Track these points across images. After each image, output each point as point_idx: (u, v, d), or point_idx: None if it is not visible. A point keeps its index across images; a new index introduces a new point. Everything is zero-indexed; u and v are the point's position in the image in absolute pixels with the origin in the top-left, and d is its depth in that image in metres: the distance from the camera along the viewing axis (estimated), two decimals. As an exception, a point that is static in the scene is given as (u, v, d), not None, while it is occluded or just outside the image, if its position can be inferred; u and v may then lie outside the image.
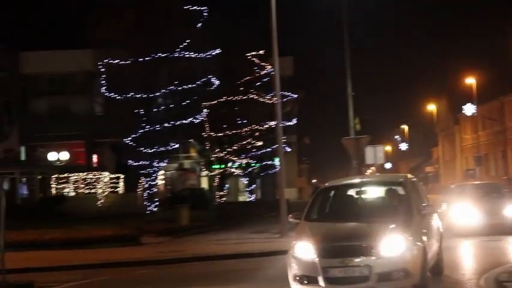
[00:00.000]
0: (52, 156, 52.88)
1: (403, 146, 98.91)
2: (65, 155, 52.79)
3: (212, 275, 16.16)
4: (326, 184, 13.22)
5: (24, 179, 47.34)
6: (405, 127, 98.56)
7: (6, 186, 17.09)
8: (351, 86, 32.02)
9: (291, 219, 12.17)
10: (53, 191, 48.36)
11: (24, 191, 46.20)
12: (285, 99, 42.65)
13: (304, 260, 10.38)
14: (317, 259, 10.18)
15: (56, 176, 49.29)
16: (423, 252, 10.55)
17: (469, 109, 61.31)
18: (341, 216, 11.42)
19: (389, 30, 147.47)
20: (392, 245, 10.11)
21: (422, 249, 10.53)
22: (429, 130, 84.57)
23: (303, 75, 65.86)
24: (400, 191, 11.70)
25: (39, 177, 49.03)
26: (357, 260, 10.04)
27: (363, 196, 12.09)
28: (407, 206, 11.24)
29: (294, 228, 12.55)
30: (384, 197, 11.99)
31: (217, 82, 39.76)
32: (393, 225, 10.53)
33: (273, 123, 38.81)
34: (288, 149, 44.83)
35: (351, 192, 12.08)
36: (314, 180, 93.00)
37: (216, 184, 50.61)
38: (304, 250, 10.46)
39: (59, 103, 59.98)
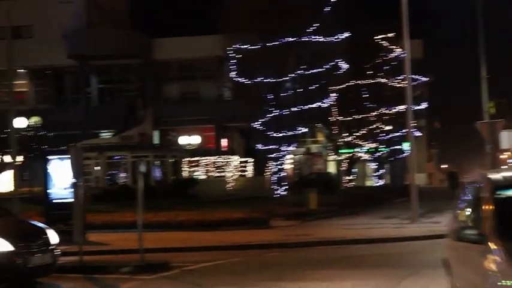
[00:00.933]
0: (183, 140, 54.16)
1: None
2: (196, 139, 53.89)
3: (342, 260, 16.09)
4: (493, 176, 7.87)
5: (158, 162, 48.77)
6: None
7: (143, 168, 17.66)
8: (485, 68, 30.90)
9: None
10: (185, 174, 49.55)
11: (157, 173, 47.55)
12: (414, 83, 41.74)
13: None
14: None
15: (187, 159, 50.50)
16: None
17: None
18: None
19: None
20: None
21: None
22: None
23: (434, 58, 64.20)
24: None
25: (172, 160, 50.36)
26: None
27: None
28: None
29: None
30: None
31: (345, 66, 39.39)
32: None
33: (402, 107, 38.18)
34: (418, 134, 43.84)
35: None
36: (444, 166, 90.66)
37: (343, 168, 50.34)
38: None
39: (190, 88, 61.36)
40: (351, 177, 49.39)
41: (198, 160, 50.51)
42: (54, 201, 19.94)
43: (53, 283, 13.60)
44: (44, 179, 20.63)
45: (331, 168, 56.78)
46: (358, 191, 43.65)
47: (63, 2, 57.10)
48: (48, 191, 20.20)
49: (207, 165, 50.34)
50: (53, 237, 13.52)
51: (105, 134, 56.20)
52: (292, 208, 29.29)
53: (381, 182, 51.55)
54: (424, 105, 49.75)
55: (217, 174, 49.66)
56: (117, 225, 23.01)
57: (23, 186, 34.52)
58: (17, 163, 24.05)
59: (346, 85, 43.07)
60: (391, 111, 46.03)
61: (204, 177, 49.31)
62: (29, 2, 54.49)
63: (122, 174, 47.67)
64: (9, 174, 37.61)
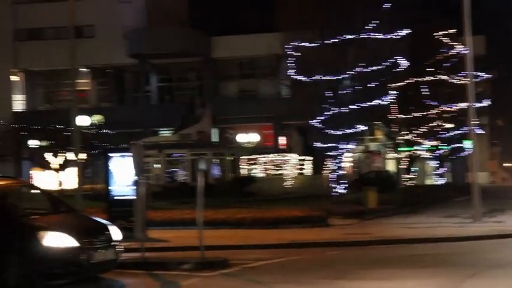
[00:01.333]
0: (241, 138, 54.42)
1: None
2: (254, 137, 54.11)
3: (402, 259, 15.92)
4: None
5: (216, 160, 49.10)
6: None
7: (204, 166, 17.74)
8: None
9: None
10: (243, 171, 49.75)
11: (216, 171, 47.92)
12: (477, 80, 40.94)
13: None
14: None
15: (245, 157, 50.69)
16: None
17: None
18: None
19: None
20: None
21: None
22: None
23: (497, 54, 62.83)
24: None
25: (230, 158, 50.64)
26: None
27: None
28: None
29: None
30: None
31: (405, 63, 38.92)
32: None
33: (463, 104, 37.50)
34: (480, 131, 43.05)
35: None
36: (508, 164, 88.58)
37: (403, 167, 49.75)
38: None
39: (248, 86, 61.62)
40: (410, 176, 48.76)
41: (256, 158, 50.67)
42: (115, 198, 20.18)
43: (115, 279, 13.76)
44: (105, 176, 20.90)
45: (390, 166, 56.24)
46: (417, 189, 43.07)
47: (124, 1, 57.96)
48: (109, 188, 20.46)
49: (265, 163, 50.49)
50: (116, 233, 13.73)
51: (165, 132, 56.95)
52: (350, 206, 29.11)
53: (442, 181, 50.84)
54: (486, 103, 48.85)
55: (275, 172, 49.73)
56: (176, 223, 23.21)
57: (86, 183, 35.14)
58: (79, 161, 24.45)
59: (406, 82, 42.56)
60: (452, 109, 45.30)
61: (262, 175, 49.46)
62: (90, 2, 55.53)
63: (181, 172, 48.17)
64: (72, 172, 38.32)
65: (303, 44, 37.00)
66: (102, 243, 13.22)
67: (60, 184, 40.95)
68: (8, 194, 14.53)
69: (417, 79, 44.21)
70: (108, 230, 13.65)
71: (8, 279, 12.48)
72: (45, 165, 44.10)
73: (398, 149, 49.39)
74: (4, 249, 12.64)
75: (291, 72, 38.79)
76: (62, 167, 42.61)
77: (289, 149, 55.74)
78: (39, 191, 15.66)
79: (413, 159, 49.16)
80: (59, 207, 14.56)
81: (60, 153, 42.50)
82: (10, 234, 12.81)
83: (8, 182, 15.54)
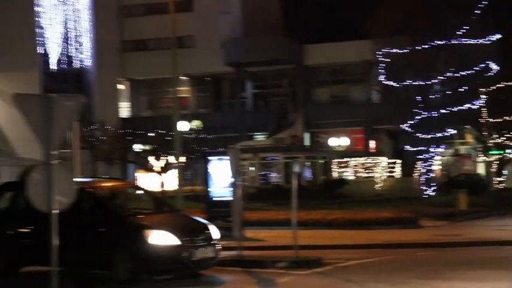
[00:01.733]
0: (333, 141, 54.13)
1: None
2: (345, 141, 53.73)
3: (495, 260, 15.50)
4: None
5: (308, 163, 49.05)
6: None
7: (298, 169, 17.82)
8: None
9: None
10: (334, 174, 49.51)
11: (308, 174, 47.86)
12: None
13: None
14: None
15: (336, 160, 50.43)
16: None
17: None
18: None
19: None
20: None
21: None
22: None
23: None
24: None
25: (322, 161, 50.49)
26: None
27: None
28: None
29: None
30: None
31: (496, 67, 37.91)
32: None
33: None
34: None
35: None
36: None
37: (493, 170, 48.36)
38: None
39: (339, 92, 61.38)
40: (501, 179, 47.37)
41: (347, 161, 50.31)
42: (214, 199, 20.47)
43: (214, 275, 13.92)
44: (204, 178, 21.22)
45: (480, 169, 54.67)
46: (508, 192, 41.75)
47: (222, 13, 58.76)
48: (208, 189, 20.75)
49: (355, 166, 50.06)
50: (215, 232, 13.90)
51: (259, 136, 57.26)
52: (441, 209, 28.51)
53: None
54: None
55: (366, 175, 49.23)
56: (271, 223, 23.33)
57: (185, 185, 35.70)
58: (180, 163, 24.92)
59: (497, 86, 41.44)
60: None
61: (352, 177, 49.04)
62: (191, 14, 56.63)
63: (274, 174, 48.34)
64: (173, 174, 39.08)
65: (393, 50, 36.65)
66: (202, 241, 13.42)
67: (162, 185, 41.71)
68: (116, 195, 14.97)
69: (508, 83, 42.99)
70: (208, 229, 13.83)
71: (117, 273, 12.84)
72: (149, 168, 45.12)
73: (489, 152, 48.09)
74: (113, 246, 13.01)
75: (381, 77, 38.48)
76: (164, 169, 43.41)
77: (378, 153, 55.07)
78: (143, 192, 16.05)
79: (504, 162, 47.71)
80: (162, 207, 14.87)
81: (162, 156, 43.37)
82: (118, 232, 13.18)
83: (115, 183, 16.03)
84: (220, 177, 20.10)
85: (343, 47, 54.17)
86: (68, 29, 58.81)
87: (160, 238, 12.87)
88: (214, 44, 57.96)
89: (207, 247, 13.48)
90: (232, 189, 17.30)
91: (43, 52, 57.20)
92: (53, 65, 58.03)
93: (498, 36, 36.64)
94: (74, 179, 10.10)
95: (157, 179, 43.15)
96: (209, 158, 21.09)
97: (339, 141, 53.59)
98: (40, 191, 9.41)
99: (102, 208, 13.91)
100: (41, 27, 57.12)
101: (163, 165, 43.43)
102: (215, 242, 13.77)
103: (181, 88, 56.34)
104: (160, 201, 15.68)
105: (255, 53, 56.82)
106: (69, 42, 58.93)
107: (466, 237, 19.87)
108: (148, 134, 45.69)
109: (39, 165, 9.54)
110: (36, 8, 55.96)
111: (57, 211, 9.43)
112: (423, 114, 36.39)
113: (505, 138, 45.03)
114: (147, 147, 45.47)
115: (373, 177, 48.58)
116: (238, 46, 57.67)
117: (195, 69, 57.69)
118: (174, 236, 12.96)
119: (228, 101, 62.45)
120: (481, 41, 35.92)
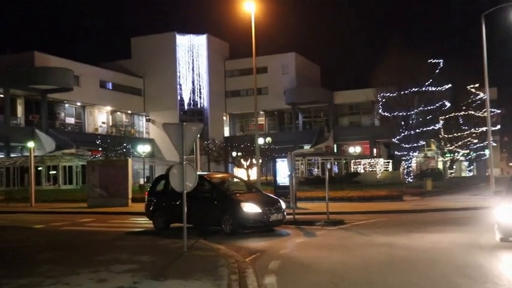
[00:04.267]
0: (351, 149, 53.70)
1: None
2: (358, 149, 53.23)
3: (450, 220, 15.12)
4: None
5: (336, 162, 48.77)
6: None
7: (329, 166, 17.90)
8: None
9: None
10: (351, 169, 49.07)
11: (335, 169, 47.56)
12: (492, 114, 38.30)
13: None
14: None
15: (353, 160, 49.98)
16: None
17: None
18: None
19: None
20: None
21: None
22: None
23: (504, 98, 58.51)
24: None
25: (344, 161, 50.15)
26: None
27: None
28: None
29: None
30: None
31: (448, 104, 37.51)
32: None
33: (484, 128, 36.08)
34: (494, 144, 40.14)
35: None
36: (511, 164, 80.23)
37: (447, 166, 47.25)
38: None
39: (354, 119, 60.87)
40: (451, 171, 46.40)
41: (359, 161, 49.77)
42: (279, 184, 20.03)
43: (281, 230, 13.61)
44: (273, 172, 20.91)
45: (440, 165, 53.33)
46: (456, 179, 40.73)
47: (285, 73, 59.48)
48: (276, 178, 20.38)
49: (364, 164, 49.45)
50: (282, 204, 13.31)
51: (306, 147, 57.28)
52: (416, 189, 27.86)
53: (470, 174, 48.22)
54: (498, 127, 45.82)
55: (371, 170, 48.53)
56: (313, 198, 22.89)
57: (262, 176, 36.12)
58: (259, 163, 25.09)
59: (449, 116, 41.05)
60: (478, 130, 42.99)
61: (363, 171, 48.45)
62: (266, 75, 57.29)
63: (315, 169, 48.29)
64: (255, 169, 39.65)
65: (387, 94, 36.50)
66: (275, 210, 12.83)
67: (249, 176, 42.30)
68: (223, 182, 14.52)
69: (456, 114, 42.48)
70: (279, 202, 13.26)
71: (224, 228, 12.74)
72: (241, 166, 45.84)
73: (445, 155, 47.04)
74: (222, 212, 12.79)
75: (380, 110, 38.19)
76: (249, 167, 44.02)
77: (378, 156, 54.32)
78: (239, 180, 15.89)
79: (454, 161, 46.71)
80: (251, 189, 14.43)
81: (248, 159, 44.05)
82: (225, 204, 12.79)
83: (223, 175, 15.81)
84: (283, 171, 19.65)
85: (358, 93, 53.72)
86: (194, 84, 60.33)
87: (250, 207, 12.46)
88: (279, 92, 58.42)
89: (278, 213, 12.82)
90: (289, 178, 17.51)
91: (179, 98, 58.87)
92: (185, 106, 59.44)
93: (449, 85, 36.41)
94: (197, 173, 9.94)
95: (246, 172, 43.68)
96: (276, 160, 20.80)
97: (354, 149, 53.11)
98: (177, 179, 9.43)
99: (215, 189, 13.24)
100: (179, 84, 58.90)
101: (249, 164, 44.03)
102: (283, 210, 13.07)
103: (259, 118, 57.00)
104: (249, 185, 15.30)
105: (303, 96, 57.18)
106: (195, 92, 60.42)
107: (431, 206, 19.44)
108: (241, 146, 46.37)
109: (177, 164, 9.71)
110: (177, 73, 57.82)
111: (186, 191, 9.55)
112: (405, 133, 36.02)
113: (454, 147, 44.37)
114: (240, 154, 46.08)
115: (375, 171, 47.91)
116: (293, 93, 57.88)
117: (268, 107, 58.24)
118: (258, 207, 12.53)
119: (288, 126, 62.62)
120: (439, 88, 35.80)
